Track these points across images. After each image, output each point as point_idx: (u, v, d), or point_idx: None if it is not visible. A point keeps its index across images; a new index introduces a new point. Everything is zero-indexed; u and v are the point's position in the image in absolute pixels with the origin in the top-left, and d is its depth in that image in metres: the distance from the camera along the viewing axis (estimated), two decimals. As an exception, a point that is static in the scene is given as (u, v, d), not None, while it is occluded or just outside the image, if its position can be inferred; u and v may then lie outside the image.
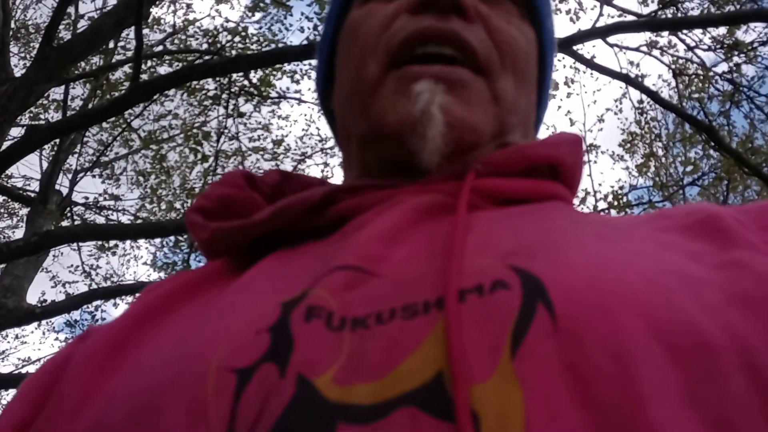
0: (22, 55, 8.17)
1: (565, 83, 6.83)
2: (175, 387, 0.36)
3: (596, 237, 0.43)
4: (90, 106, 7.16)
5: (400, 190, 0.50)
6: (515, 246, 0.41)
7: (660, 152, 7.40)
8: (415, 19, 0.54)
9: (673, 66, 5.19)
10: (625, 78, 4.23)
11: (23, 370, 8.02)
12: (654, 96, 4.36)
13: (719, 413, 0.31)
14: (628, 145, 7.67)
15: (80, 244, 7.11)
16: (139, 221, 8.13)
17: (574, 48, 3.90)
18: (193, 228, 0.55)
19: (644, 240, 0.43)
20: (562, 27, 11.13)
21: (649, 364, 0.32)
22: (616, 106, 7.76)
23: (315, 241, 0.49)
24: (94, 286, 8.08)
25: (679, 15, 4.85)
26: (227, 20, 7.13)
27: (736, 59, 5.49)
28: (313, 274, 0.42)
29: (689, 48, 5.37)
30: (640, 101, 6.81)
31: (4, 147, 4.34)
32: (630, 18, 4.84)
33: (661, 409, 0.30)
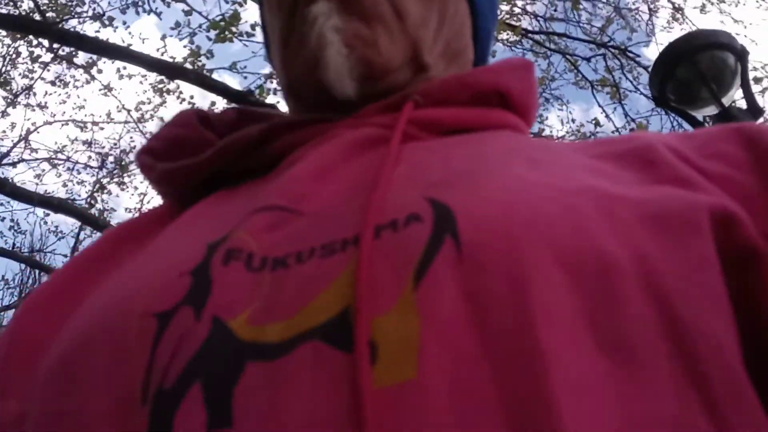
0: None
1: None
2: (101, 333, 0.36)
3: (526, 162, 0.42)
4: None
5: (337, 124, 0.49)
6: (439, 176, 0.40)
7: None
8: None
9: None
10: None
11: None
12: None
13: (616, 336, 0.31)
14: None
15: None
16: None
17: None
18: (143, 169, 0.55)
19: (573, 165, 0.42)
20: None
21: (547, 289, 0.32)
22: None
23: (255, 179, 0.49)
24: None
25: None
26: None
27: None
28: (239, 215, 0.41)
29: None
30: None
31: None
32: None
33: (554, 333, 0.30)
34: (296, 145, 0.49)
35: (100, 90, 6.40)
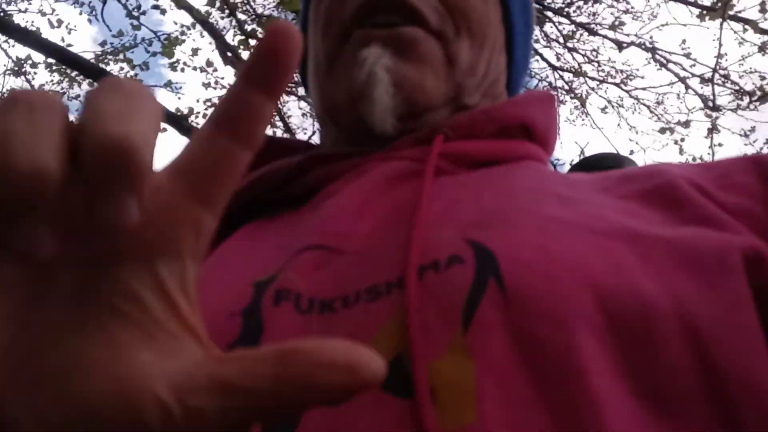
0: None
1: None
2: None
3: (556, 200, 0.43)
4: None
5: (369, 158, 0.51)
6: (474, 214, 0.41)
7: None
8: None
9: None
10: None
11: None
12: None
13: (653, 384, 0.32)
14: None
15: None
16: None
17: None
18: None
19: (603, 205, 0.43)
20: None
21: (591, 334, 0.32)
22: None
23: (289, 211, 0.50)
24: None
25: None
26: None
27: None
28: (284, 253, 0.42)
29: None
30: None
31: None
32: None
33: (602, 381, 0.31)
34: (330, 178, 0.50)
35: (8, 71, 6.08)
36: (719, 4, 3.61)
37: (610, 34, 5.49)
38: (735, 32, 3.89)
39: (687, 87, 4.63)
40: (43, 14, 4.50)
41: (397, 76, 0.51)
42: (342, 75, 0.53)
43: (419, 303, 0.35)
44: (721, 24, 3.66)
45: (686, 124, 4.73)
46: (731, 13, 3.71)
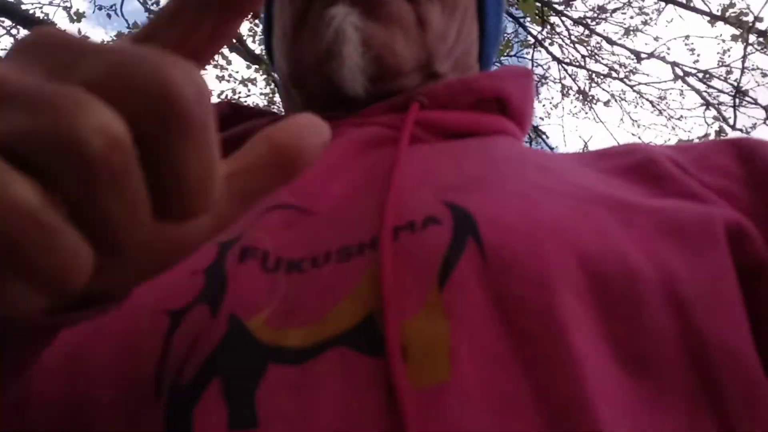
0: None
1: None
2: (109, 327, 0.36)
3: (537, 169, 0.43)
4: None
5: (342, 122, 0.50)
6: (452, 179, 0.40)
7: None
8: None
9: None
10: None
11: None
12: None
13: (634, 349, 0.32)
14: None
15: None
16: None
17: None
18: None
19: (584, 176, 0.43)
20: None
21: (573, 295, 0.32)
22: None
23: None
24: None
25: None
26: None
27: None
28: (250, 213, 0.40)
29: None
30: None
31: None
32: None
33: (583, 341, 0.31)
34: None
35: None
36: (740, 21, 3.67)
37: (628, 43, 5.53)
38: (750, 44, 3.97)
39: (708, 104, 4.70)
40: (65, 9, 4.48)
41: (366, 35, 0.50)
42: (309, 36, 0.52)
43: (393, 262, 0.34)
44: (745, 48, 3.72)
45: (705, 138, 4.82)
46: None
